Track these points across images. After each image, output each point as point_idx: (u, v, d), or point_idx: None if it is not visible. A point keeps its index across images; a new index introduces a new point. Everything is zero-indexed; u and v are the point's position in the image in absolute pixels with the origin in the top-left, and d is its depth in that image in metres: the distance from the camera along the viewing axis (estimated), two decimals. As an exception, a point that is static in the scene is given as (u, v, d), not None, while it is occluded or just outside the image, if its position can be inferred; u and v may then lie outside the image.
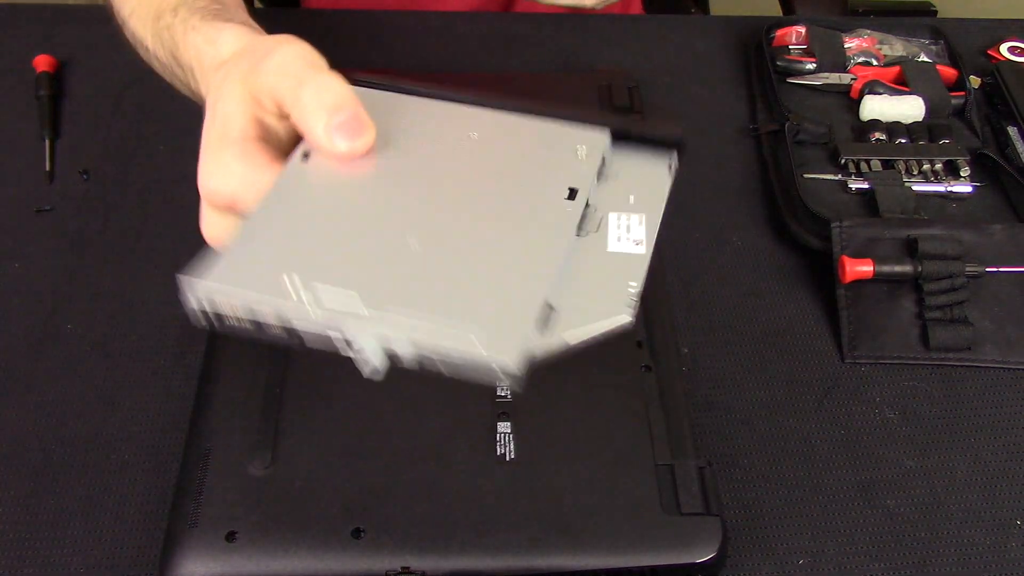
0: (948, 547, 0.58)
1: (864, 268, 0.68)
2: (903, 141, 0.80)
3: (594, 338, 0.41)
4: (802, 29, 0.88)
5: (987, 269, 0.69)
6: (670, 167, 0.49)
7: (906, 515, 0.59)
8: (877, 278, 0.69)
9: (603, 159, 0.47)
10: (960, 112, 0.83)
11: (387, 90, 0.50)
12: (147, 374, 0.65)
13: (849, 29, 0.89)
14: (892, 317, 0.68)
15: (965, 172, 0.77)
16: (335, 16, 0.93)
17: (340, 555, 0.52)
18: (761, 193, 0.79)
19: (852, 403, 0.65)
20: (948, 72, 0.85)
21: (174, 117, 0.83)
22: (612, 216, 0.46)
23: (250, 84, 0.47)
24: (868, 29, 0.89)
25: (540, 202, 0.45)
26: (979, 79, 0.86)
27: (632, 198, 0.47)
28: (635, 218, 0.46)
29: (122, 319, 0.68)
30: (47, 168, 0.77)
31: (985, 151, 0.79)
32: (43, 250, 0.72)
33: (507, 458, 0.56)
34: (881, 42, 0.88)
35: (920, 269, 0.68)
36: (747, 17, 0.96)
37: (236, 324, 0.41)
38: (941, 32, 0.90)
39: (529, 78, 0.84)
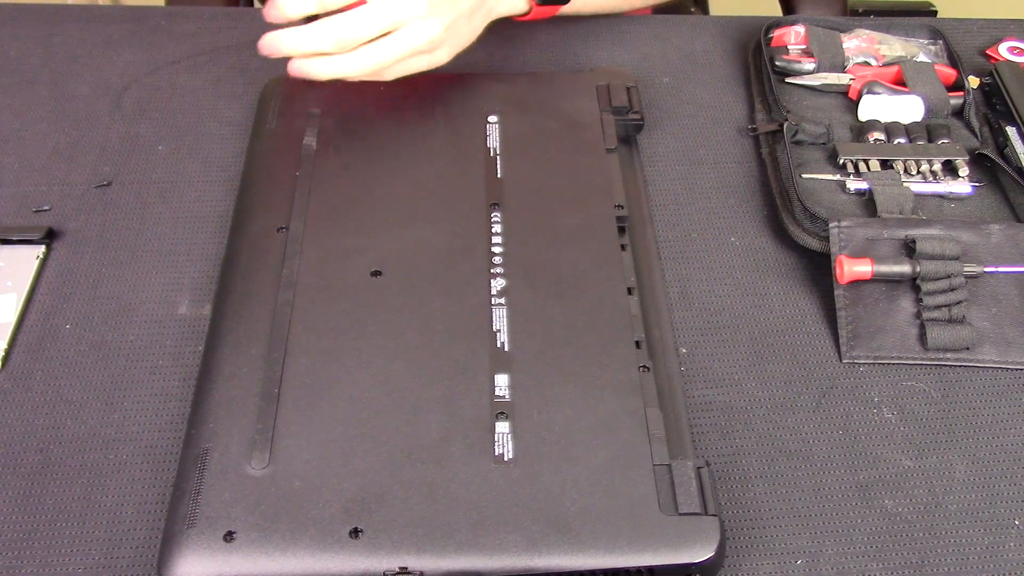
0: (946, 547, 0.58)
1: (862, 268, 0.68)
2: (901, 141, 0.80)
3: None
4: (801, 29, 0.88)
5: (985, 269, 0.69)
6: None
7: (904, 515, 0.59)
8: (875, 278, 0.69)
9: None
10: (959, 112, 0.83)
11: None
12: (145, 374, 0.65)
13: (848, 29, 0.89)
14: (890, 317, 0.68)
15: (964, 172, 0.77)
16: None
17: (338, 555, 0.52)
18: (759, 193, 0.79)
19: (850, 403, 0.65)
20: (947, 72, 0.85)
21: (172, 117, 0.83)
22: None
23: None
24: (867, 29, 0.89)
25: None
26: (978, 79, 0.86)
27: None
28: None
29: (120, 319, 0.68)
30: None
31: (984, 151, 0.79)
32: (41, 250, 0.73)
33: (505, 458, 0.56)
34: (880, 42, 0.88)
35: (918, 269, 0.68)
36: (746, 17, 0.96)
37: None
38: (940, 32, 0.90)
39: (528, 78, 0.84)
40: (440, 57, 0.77)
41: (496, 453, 0.56)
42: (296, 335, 0.62)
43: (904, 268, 0.68)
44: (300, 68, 0.75)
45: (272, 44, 0.74)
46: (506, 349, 0.62)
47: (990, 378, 0.66)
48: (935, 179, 0.77)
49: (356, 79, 0.76)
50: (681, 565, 0.53)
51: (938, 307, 0.68)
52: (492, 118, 0.77)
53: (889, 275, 0.68)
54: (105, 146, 0.81)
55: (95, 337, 0.67)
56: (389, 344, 0.62)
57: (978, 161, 0.79)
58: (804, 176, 0.77)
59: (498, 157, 0.74)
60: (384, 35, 0.74)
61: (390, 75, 0.77)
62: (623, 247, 0.70)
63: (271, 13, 0.74)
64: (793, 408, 0.65)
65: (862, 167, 0.77)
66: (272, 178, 0.73)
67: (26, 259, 0.71)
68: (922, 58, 0.87)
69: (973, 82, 0.85)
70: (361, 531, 0.53)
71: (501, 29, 0.89)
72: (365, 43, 0.74)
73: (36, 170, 0.78)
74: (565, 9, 0.87)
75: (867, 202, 0.75)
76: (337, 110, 0.78)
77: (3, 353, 0.65)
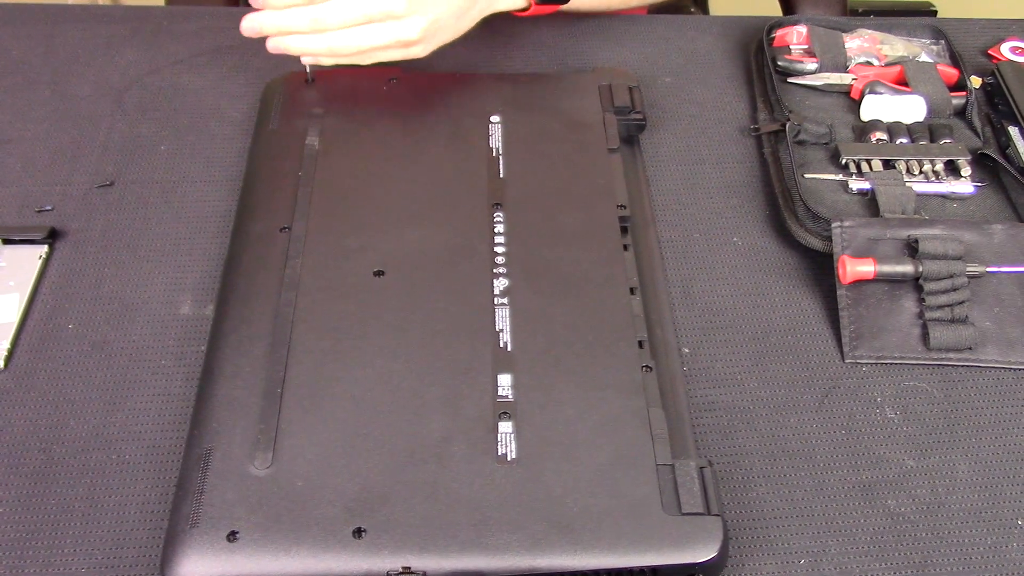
0: (949, 547, 0.58)
1: (865, 268, 0.68)
2: (904, 141, 0.80)
3: None
4: (803, 29, 0.88)
5: (988, 269, 0.69)
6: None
7: (907, 515, 0.59)
8: (878, 278, 0.69)
9: None
10: (961, 112, 0.83)
11: None
12: (148, 374, 0.65)
13: (850, 29, 0.89)
14: (893, 317, 0.68)
15: (966, 172, 0.77)
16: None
17: (341, 555, 0.52)
18: (762, 193, 0.79)
19: (853, 403, 0.65)
20: (949, 72, 0.85)
21: (174, 117, 0.83)
22: None
23: None
24: (869, 29, 0.89)
25: None
26: (980, 79, 0.86)
27: None
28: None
29: (123, 319, 0.68)
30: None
31: (986, 151, 0.79)
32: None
33: (508, 458, 0.56)
34: (882, 42, 0.88)
35: (921, 269, 0.68)
36: (748, 17, 0.96)
37: None
38: (942, 32, 0.90)
39: (530, 78, 0.84)
40: (416, 52, 0.77)
41: (499, 453, 0.56)
42: (299, 335, 0.62)
43: (907, 268, 0.68)
44: (276, 44, 0.77)
45: (253, 24, 0.76)
46: (509, 349, 0.62)
47: (993, 378, 0.66)
48: (937, 179, 0.77)
49: (330, 62, 0.77)
50: (684, 565, 0.53)
51: (940, 307, 0.68)
52: (495, 118, 0.77)
53: (892, 275, 0.68)
54: (107, 146, 0.81)
55: (98, 337, 0.67)
56: (392, 344, 0.62)
57: (980, 161, 0.79)
58: (806, 176, 0.77)
59: (500, 157, 0.74)
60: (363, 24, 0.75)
61: (364, 61, 0.77)
62: (625, 247, 0.70)
63: (258, 2, 0.75)
64: (796, 408, 0.65)
65: (864, 167, 0.77)
66: (274, 178, 0.73)
67: (29, 259, 0.71)
68: (924, 58, 0.87)
69: (975, 82, 0.85)
70: (364, 531, 0.53)
71: (503, 29, 0.90)
72: (342, 28, 0.74)
73: (38, 170, 0.78)
74: (564, 7, 0.87)
75: (869, 202, 0.75)
76: (339, 110, 0.78)
77: (6, 353, 0.65)
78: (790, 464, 0.62)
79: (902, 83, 0.84)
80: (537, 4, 0.84)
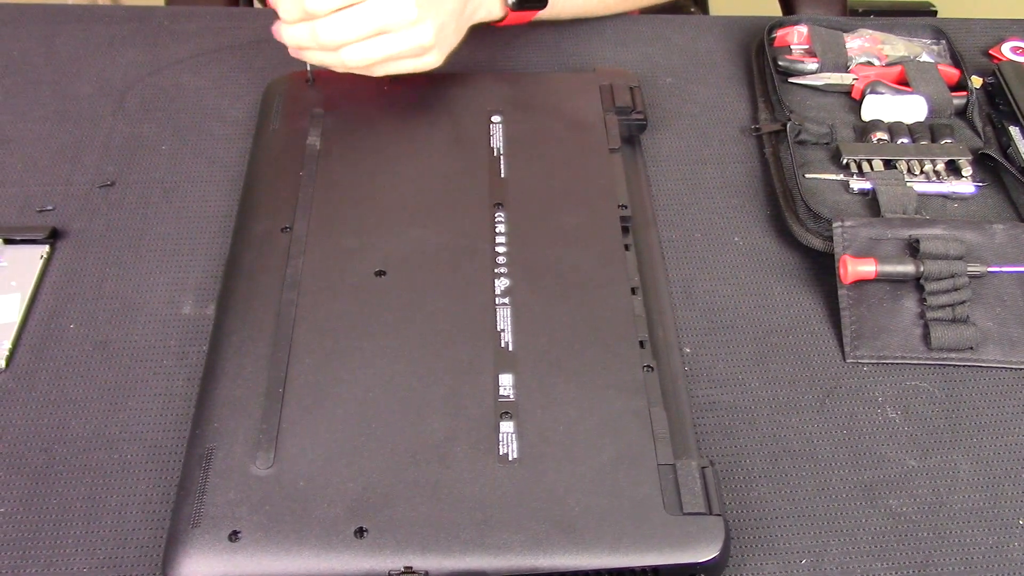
0: (951, 547, 0.58)
1: (866, 268, 0.68)
2: (905, 141, 0.80)
3: None
4: (804, 29, 0.88)
5: (989, 269, 0.69)
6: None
7: (909, 515, 0.59)
8: (879, 278, 0.69)
9: None
10: (962, 112, 0.83)
11: None
12: (149, 374, 0.65)
13: (851, 29, 0.89)
14: (894, 317, 0.68)
15: (967, 172, 0.77)
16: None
17: (343, 555, 0.52)
18: (763, 193, 0.79)
19: (854, 403, 0.65)
20: (950, 72, 0.85)
21: (176, 117, 0.83)
22: None
23: None
24: (870, 29, 0.89)
25: None
26: (981, 79, 0.86)
27: None
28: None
29: (124, 319, 0.68)
30: None
31: (987, 151, 0.79)
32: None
33: (510, 458, 0.56)
34: (883, 42, 0.88)
35: (922, 269, 0.68)
36: (749, 17, 0.96)
37: None
38: (943, 32, 0.90)
39: (531, 78, 0.84)
40: (429, 61, 0.77)
41: (500, 453, 0.56)
42: (300, 335, 0.62)
43: (908, 268, 0.68)
44: (296, 54, 0.76)
45: (276, 31, 0.76)
46: (510, 349, 0.62)
47: (994, 378, 0.66)
48: (938, 179, 0.77)
49: (344, 72, 0.76)
50: (686, 565, 0.53)
51: (942, 307, 0.68)
52: (496, 118, 0.78)
53: (893, 275, 0.69)
54: (108, 146, 0.81)
55: (99, 337, 0.67)
56: (393, 344, 0.62)
57: (981, 161, 0.79)
58: (807, 176, 0.77)
59: (502, 157, 0.74)
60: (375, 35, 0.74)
61: (377, 72, 0.77)
62: (627, 247, 0.70)
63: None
64: (797, 408, 0.65)
65: (865, 167, 0.77)
66: (276, 178, 0.73)
67: (30, 259, 0.71)
68: (925, 58, 0.87)
69: (976, 82, 0.85)
70: (366, 531, 0.53)
71: (503, 29, 0.90)
72: (353, 43, 0.73)
73: (40, 170, 0.78)
74: (542, 14, 0.86)
75: (870, 202, 0.75)
76: (341, 110, 0.78)
77: (7, 353, 0.65)
78: (791, 464, 0.62)
79: (903, 83, 0.84)
80: (513, 11, 0.83)
